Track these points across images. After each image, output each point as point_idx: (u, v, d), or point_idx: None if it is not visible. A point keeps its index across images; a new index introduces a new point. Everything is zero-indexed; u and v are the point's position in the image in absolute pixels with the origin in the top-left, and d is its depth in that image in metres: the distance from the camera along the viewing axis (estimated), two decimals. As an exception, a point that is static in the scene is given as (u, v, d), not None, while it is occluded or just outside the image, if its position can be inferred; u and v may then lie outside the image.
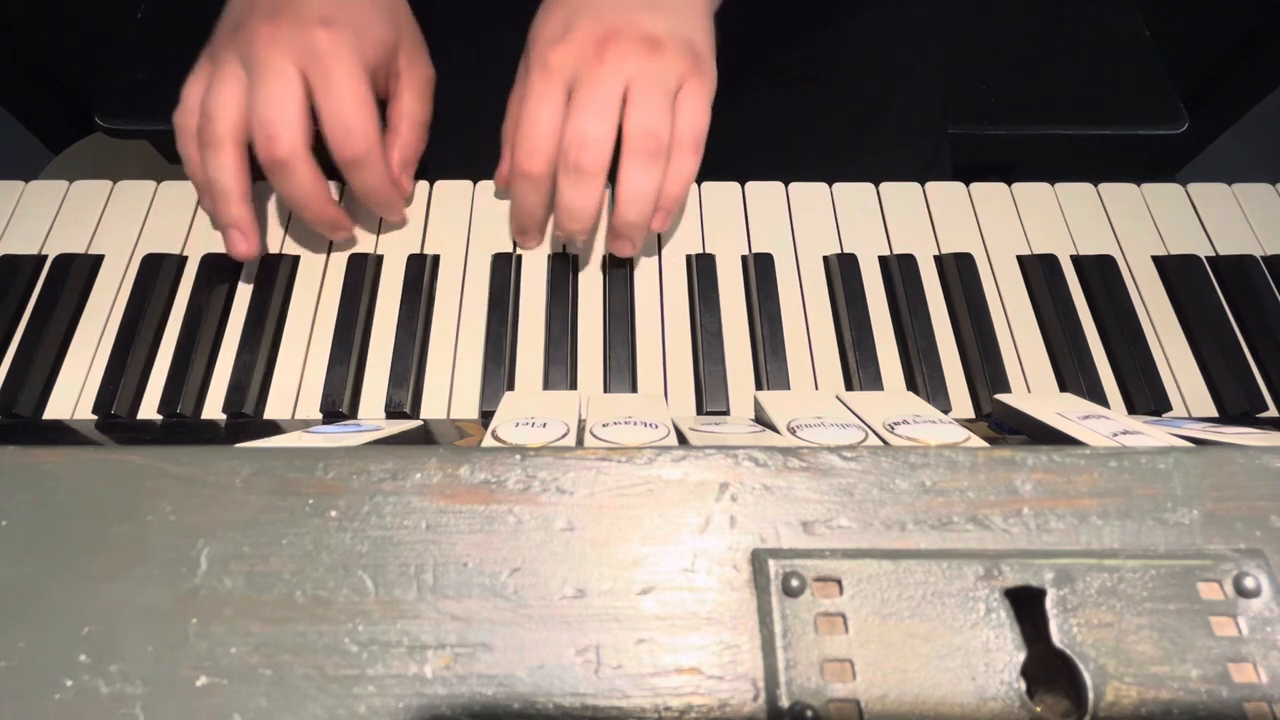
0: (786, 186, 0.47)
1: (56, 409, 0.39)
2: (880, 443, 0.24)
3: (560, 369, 0.39)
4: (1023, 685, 0.15)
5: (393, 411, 0.38)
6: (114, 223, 0.45)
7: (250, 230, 0.39)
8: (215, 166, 0.37)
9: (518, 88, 0.41)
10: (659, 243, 0.45)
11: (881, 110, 0.58)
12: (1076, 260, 0.44)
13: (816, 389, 0.40)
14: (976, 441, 0.23)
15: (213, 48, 0.40)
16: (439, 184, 0.47)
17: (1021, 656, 0.15)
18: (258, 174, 0.39)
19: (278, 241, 0.44)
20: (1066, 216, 0.46)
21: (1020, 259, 0.44)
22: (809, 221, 0.46)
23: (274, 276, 0.42)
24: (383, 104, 0.43)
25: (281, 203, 0.46)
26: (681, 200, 0.40)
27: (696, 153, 0.38)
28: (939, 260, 0.44)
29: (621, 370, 0.40)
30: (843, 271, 0.43)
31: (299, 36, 0.36)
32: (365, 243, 0.44)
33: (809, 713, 0.15)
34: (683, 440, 0.25)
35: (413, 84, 0.43)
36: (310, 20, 0.37)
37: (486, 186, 0.46)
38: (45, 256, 0.43)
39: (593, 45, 0.36)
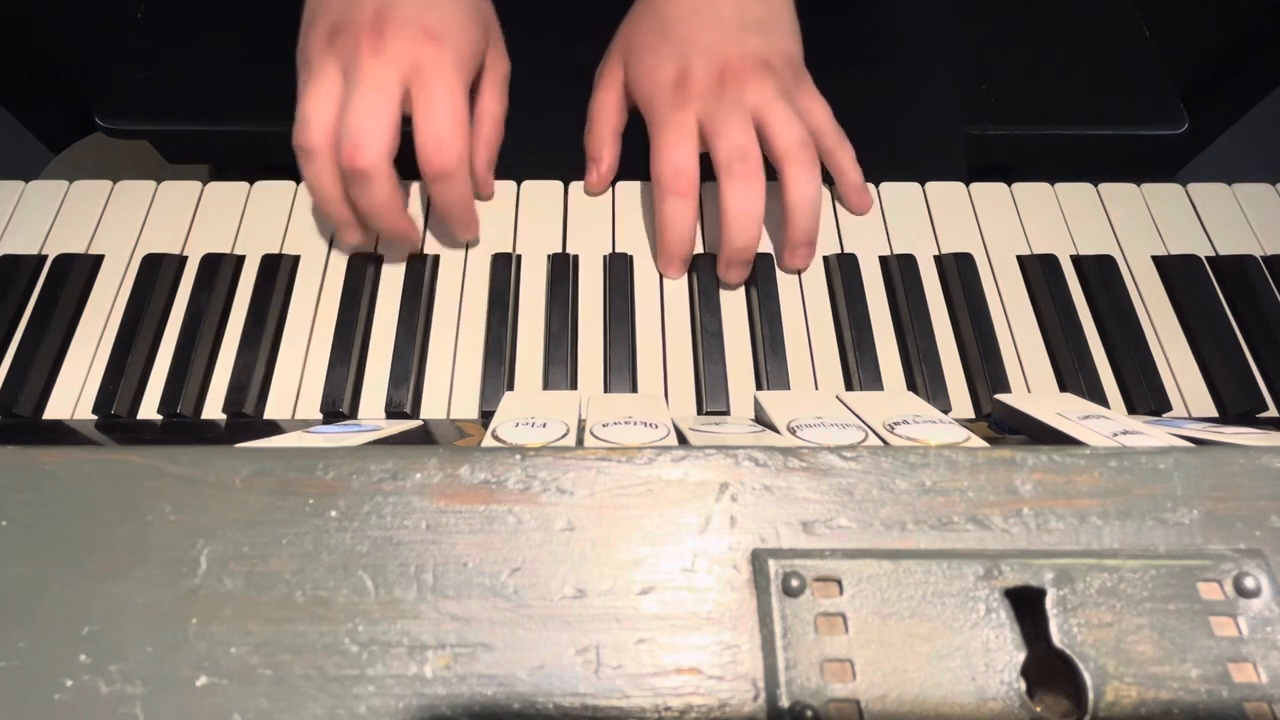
0: (786, 186, 0.47)
1: (56, 409, 0.39)
2: (880, 443, 0.24)
3: (560, 369, 0.39)
4: (1023, 685, 0.15)
5: (393, 411, 0.38)
6: (114, 223, 0.45)
7: (357, 224, 0.41)
8: (309, 173, 0.38)
9: (606, 97, 0.45)
10: (659, 243, 0.45)
11: (898, 104, 0.58)
12: (1076, 260, 0.44)
13: (816, 389, 0.40)
14: (976, 441, 0.23)
15: (305, 54, 0.40)
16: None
17: (1021, 656, 0.15)
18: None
19: (278, 241, 0.44)
20: (1066, 216, 0.46)
21: (1020, 259, 0.44)
22: (809, 221, 0.46)
23: (274, 276, 0.42)
24: None
25: (283, 201, 0.46)
26: (863, 181, 0.45)
27: (838, 131, 0.43)
28: (939, 260, 0.44)
29: (621, 370, 0.40)
30: (843, 271, 0.43)
31: (405, 49, 0.37)
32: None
33: (809, 713, 0.15)
34: (683, 440, 0.25)
35: (494, 81, 0.43)
36: (416, 32, 0.37)
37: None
38: (45, 256, 0.43)
39: (714, 84, 0.40)
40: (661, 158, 0.41)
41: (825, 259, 0.44)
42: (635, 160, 0.45)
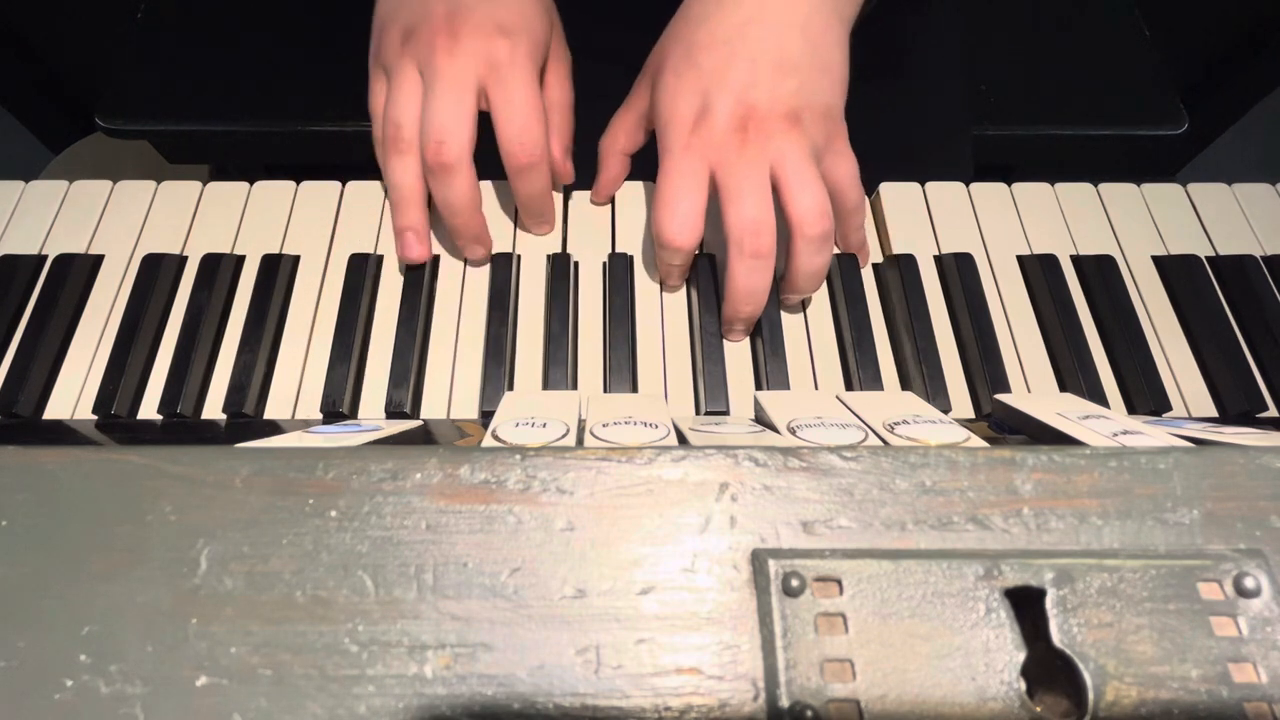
0: (786, 186, 0.47)
1: (56, 409, 0.39)
2: (880, 443, 0.24)
3: (560, 369, 0.39)
4: (1023, 685, 0.15)
5: (393, 411, 0.38)
6: (114, 223, 0.45)
7: (425, 235, 0.41)
8: (399, 170, 0.39)
9: (622, 117, 0.43)
10: (659, 243, 0.45)
11: (909, 111, 0.58)
12: (1076, 260, 0.44)
13: (816, 389, 0.40)
14: (976, 441, 0.23)
15: (382, 57, 0.40)
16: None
17: (1021, 656, 0.15)
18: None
19: (278, 241, 0.44)
20: (1066, 216, 0.46)
21: (1020, 259, 0.44)
22: (809, 221, 0.46)
23: (274, 276, 0.42)
24: None
25: (283, 201, 0.46)
26: (865, 240, 0.44)
27: (860, 194, 0.41)
28: (939, 260, 0.44)
29: (621, 370, 0.40)
30: (843, 271, 0.43)
31: (479, 46, 0.38)
32: (365, 242, 0.44)
33: (809, 713, 0.15)
34: (683, 440, 0.25)
35: (559, 72, 0.44)
36: (489, 29, 0.38)
37: (486, 187, 0.46)
38: (45, 256, 0.43)
39: (735, 130, 0.36)
40: (661, 206, 0.38)
41: (825, 259, 0.44)
42: (635, 161, 0.45)
